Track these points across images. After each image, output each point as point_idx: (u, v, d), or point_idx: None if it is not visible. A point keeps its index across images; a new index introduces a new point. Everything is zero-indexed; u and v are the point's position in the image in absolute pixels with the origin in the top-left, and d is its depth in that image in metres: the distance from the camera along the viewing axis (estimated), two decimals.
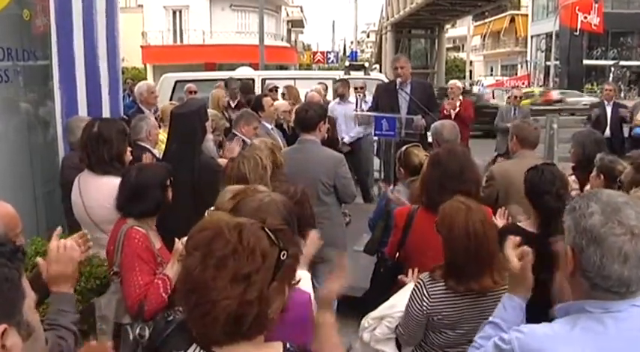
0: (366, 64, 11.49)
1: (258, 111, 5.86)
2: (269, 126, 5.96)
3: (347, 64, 11.46)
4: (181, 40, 34.23)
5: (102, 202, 3.26)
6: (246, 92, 8.30)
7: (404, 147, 3.97)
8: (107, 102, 5.22)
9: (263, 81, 9.91)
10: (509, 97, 9.44)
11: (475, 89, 44.03)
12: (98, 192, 3.32)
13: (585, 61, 38.51)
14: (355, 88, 8.62)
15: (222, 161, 4.14)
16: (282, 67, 34.13)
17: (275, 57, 30.87)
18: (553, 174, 2.99)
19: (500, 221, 3.25)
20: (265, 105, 6.19)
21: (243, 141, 5.04)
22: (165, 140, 4.12)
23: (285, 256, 1.34)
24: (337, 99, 8.60)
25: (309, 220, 2.39)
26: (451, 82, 9.81)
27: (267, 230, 1.35)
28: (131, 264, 2.71)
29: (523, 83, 35.99)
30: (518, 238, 2.01)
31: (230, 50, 30.87)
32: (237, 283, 1.27)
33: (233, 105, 8.12)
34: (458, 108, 8.41)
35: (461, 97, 8.92)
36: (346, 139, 8.26)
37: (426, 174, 3.14)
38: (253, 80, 9.92)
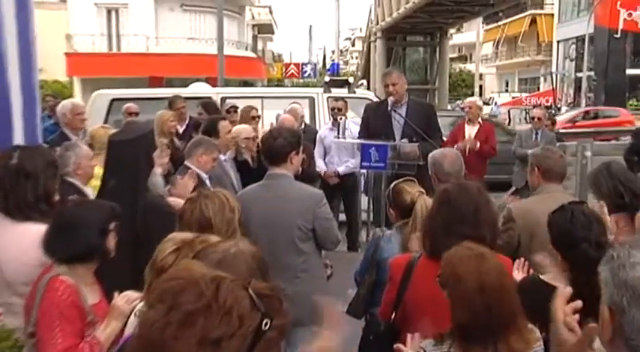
0: (351, 79, 11.67)
1: (212, 137, 5.89)
2: (222, 157, 5.99)
3: (326, 79, 11.61)
4: (118, 48, 34.24)
5: (20, 256, 3.17)
6: (210, 113, 8.27)
7: (393, 183, 4.05)
8: (20, 125, 5.09)
9: (223, 100, 9.98)
10: (533, 119, 9.64)
11: (486, 109, 44.73)
12: (16, 243, 3.22)
13: (629, 71, 37.44)
14: (333, 109, 8.69)
15: (174, 200, 4.16)
16: (246, 83, 34.37)
17: (237, 70, 31.13)
18: (586, 215, 3.03)
19: (519, 275, 3.30)
20: (221, 130, 6.20)
21: (198, 175, 5.05)
22: (101, 175, 4.11)
23: (267, 326, 1.34)
24: (329, 124, 8.72)
25: None
26: (469, 99, 10.09)
27: (250, 291, 1.36)
28: (50, 322, 2.68)
29: (547, 100, 36.54)
30: (569, 290, 1.87)
31: (181, 61, 31.10)
32: (204, 348, 1.27)
33: (181, 130, 8.15)
34: (478, 145, 8.54)
35: (480, 120, 9.11)
36: (341, 170, 8.38)
37: (432, 215, 3.18)
38: (210, 99, 10.00)
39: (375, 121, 6.92)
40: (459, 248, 2.58)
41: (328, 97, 9.53)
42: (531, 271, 3.35)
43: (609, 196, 4.22)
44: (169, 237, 2.42)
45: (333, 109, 8.58)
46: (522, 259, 3.43)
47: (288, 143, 4.28)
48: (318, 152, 8.30)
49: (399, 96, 6.75)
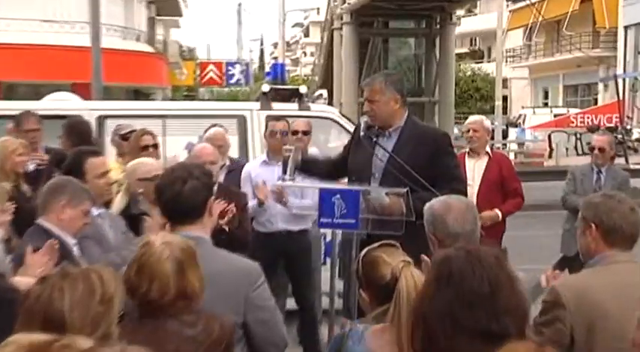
0: (304, 89, 11.62)
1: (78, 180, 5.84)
2: (95, 211, 5.94)
3: (265, 87, 11.40)
4: None
5: None
6: (78, 139, 8.18)
7: (365, 251, 4.11)
8: None
9: (101, 119, 9.95)
10: (592, 149, 9.64)
11: (513, 134, 45.03)
12: None
13: None
14: (273, 134, 8.62)
15: (21, 282, 4.12)
16: (138, 94, 34.32)
17: (124, 73, 31.05)
18: None
19: None
20: (90, 170, 6.15)
21: (61, 242, 5.02)
22: None
23: None
24: (263, 157, 8.75)
25: None
26: (471, 119, 9.84)
27: None
28: None
29: (609, 119, 37.04)
30: None
31: (30, 57, 30.88)
32: None
33: (31, 167, 8.06)
34: (500, 216, 8.66)
35: (489, 150, 9.19)
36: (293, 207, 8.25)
37: (425, 297, 3.20)
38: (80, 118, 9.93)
39: (355, 154, 6.92)
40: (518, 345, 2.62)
41: (268, 116, 9.54)
42: None
43: None
44: (10, 339, 2.40)
45: (273, 134, 8.60)
46: None
47: (204, 186, 4.31)
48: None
49: (380, 120, 6.67)
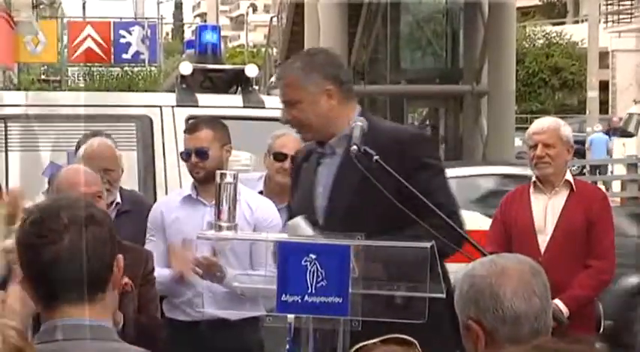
0: (252, 70, 11.60)
1: None
2: None
3: (186, 67, 11.18)
4: None
5: None
6: None
7: (354, 349, 4.30)
8: None
9: None
10: None
11: (618, 148, 45.33)
12: None
13: None
14: (187, 155, 8.65)
15: None
16: None
17: None
18: None
19: None
20: None
21: None
22: None
23: None
24: (186, 190, 8.80)
25: None
26: (537, 125, 9.64)
27: None
28: None
29: None
30: None
31: None
32: None
33: None
34: (566, 312, 8.43)
35: (571, 179, 9.20)
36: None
37: None
38: None
39: (301, 183, 6.94)
40: None
41: (190, 118, 9.62)
42: None
43: None
44: None
45: (186, 156, 8.65)
46: None
47: (110, 235, 4.28)
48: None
49: (313, 132, 6.81)
